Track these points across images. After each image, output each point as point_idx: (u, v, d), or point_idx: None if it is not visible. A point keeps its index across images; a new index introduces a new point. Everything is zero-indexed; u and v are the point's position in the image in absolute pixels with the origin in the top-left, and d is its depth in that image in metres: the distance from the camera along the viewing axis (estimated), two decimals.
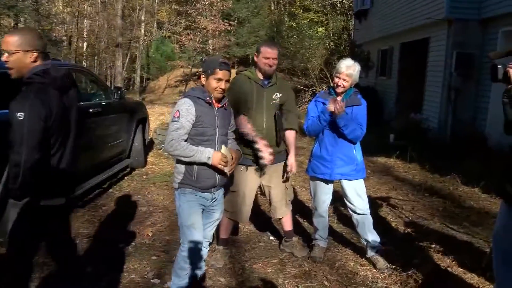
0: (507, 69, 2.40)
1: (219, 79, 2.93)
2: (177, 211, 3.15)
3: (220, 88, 2.95)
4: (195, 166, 2.97)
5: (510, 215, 2.58)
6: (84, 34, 27.03)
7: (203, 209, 3.14)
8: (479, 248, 4.44)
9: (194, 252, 3.09)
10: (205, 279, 3.72)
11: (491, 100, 9.61)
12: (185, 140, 2.92)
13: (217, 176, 3.04)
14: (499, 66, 2.43)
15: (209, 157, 2.90)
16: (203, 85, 3.04)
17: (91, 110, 5.51)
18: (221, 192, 3.26)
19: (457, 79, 10.32)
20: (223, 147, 3.01)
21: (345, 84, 3.75)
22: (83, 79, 6.71)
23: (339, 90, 3.79)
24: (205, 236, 3.23)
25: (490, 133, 9.34)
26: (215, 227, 3.37)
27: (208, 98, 2.96)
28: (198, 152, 2.89)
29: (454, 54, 10.33)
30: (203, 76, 3.01)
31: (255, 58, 3.78)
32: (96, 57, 28.05)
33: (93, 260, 3.98)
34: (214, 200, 3.15)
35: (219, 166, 2.93)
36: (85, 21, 26.49)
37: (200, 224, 3.10)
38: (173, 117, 2.94)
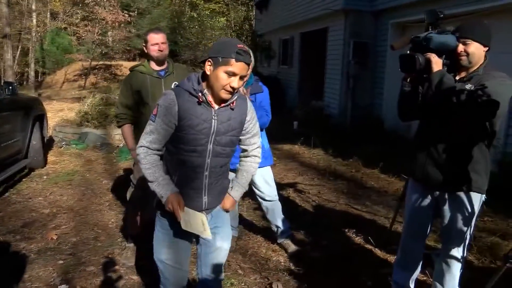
0: (428, 57, 2.54)
1: (233, 74, 2.09)
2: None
3: (230, 87, 2.11)
4: (174, 178, 2.29)
5: (425, 195, 2.80)
6: None
7: (192, 237, 2.43)
8: (381, 225, 4.75)
9: None
10: (119, 279, 3.61)
11: (385, 86, 10.26)
12: (160, 149, 2.26)
13: (205, 198, 2.33)
14: (416, 56, 2.55)
15: (162, 197, 2.21)
16: (205, 75, 2.18)
17: None
18: (220, 214, 2.48)
19: (355, 67, 10.89)
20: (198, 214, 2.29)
21: (249, 72, 3.78)
22: None
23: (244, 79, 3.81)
24: (206, 271, 2.50)
25: (385, 117, 9.98)
26: (222, 258, 2.53)
27: (200, 94, 2.17)
28: (157, 183, 2.22)
29: (351, 44, 10.88)
30: (209, 63, 2.14)
31: (145, 49, 3.64)
32: None
33: None
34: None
35: (169, 209, 2.22)
36: None
37: (180, 259, 2.43)
38: (152, 113, 2.23)
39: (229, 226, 2.55)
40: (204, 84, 2.19)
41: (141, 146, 2.23)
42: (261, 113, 3.79)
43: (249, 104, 2.36)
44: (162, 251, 2.39)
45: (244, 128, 2.35)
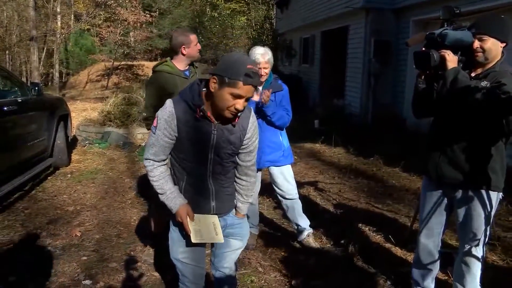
0: (443, 54, 2.51)
1: (239, 97, 1.98)
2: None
3: (235, 109, 2.01)
4: (182, 183, 2.27)
5: (440, 193, 2.79)
6: None
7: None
8: (401, 223, 4.71)
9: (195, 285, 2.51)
10: (141, 275, 3.67)
11: (407, 84, 10.15)
12: (166, 158, 2.24)
13: (213, 203, 2.30)
14: (431, 52, 2.52)
15: (172, 209, 2.22)
16: (210, 92, 2.06)
17: (5, 108, 5.19)
18: (231, 218, 2.43)
19: (376, 65, 10.81)
20: (211, 217, 2.27)
21: (267, 71, 3.77)
22: None
23: (263, 78, 3.82)
24: (220, 267, 2.53)
25: (407, 115, 9.87)
26: (237, 256, 2.57)
27: (199, 111, 2.08)
28: (166, 196, 2.21)
29: (372, 42, 10.81)
30: (214, 80, 2.01)
31: (184, 50, 3.59)
32: (7, 52, 26.26)
33: (16, 268, 3.76)
34: (222, 227, 2.35)
35: (179, 221, 2.23)
36: None
37: (196, 257, 2.43)
38: (152, 125, 2.20)
39: (247, 225, 2.54)
40: (204, 96, 2.10)
41: (147, 159, 2.23)
42: (281, 112, 3.80)
43: (252, 120, 2.27)
44: (179, 251, 2.39)
45: (243, 144, 2.27)
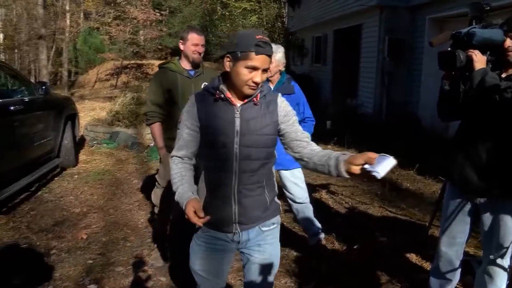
0: (470, 54, 2.37)
1: (254, 68, 1.92)
2: None
3: (253, 82, 1.94)
4: (200, 186, 2.13)
5: (464, 200, 2.63)
6: None
7: (232, 251, 2.25)
8: (416, 229, 4.59)
9: None
10: (148, 280, 3.59)
11: (422, 83, 9.98)
12: (189, 156, 2.13)
13: (235, 208, 2.06)
14: (456, 53, 2.38)
15: (182, 204, 2.01)
16: (225, 73, 2.03)
17: (12, 107, 5.13)
18: (257, 233, 2.16)
19: (390, 63, 10.65)
20: None
21: (275, 67, 3.64)
22: (1, 75, 6.26)
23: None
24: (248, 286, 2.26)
25: (422, 115, 9.69)
26: (266, 275, 2.25)
27: (218, 92, 2.01)
28: (177, 193, 2.05)
29: (386, 40, 10.63)
30: (228, 59, 1.97)
31: (181, 46, 3.57)
32: (16, 50, 26.40)
33: (21, 271, 3.70)
34: (240, 243, 2.16)
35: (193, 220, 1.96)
36: None
37: (215, 271, 2.26)
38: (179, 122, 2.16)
39: (278, 244, 2.28)
40: (223, 80, 2.05)
41: (171, 157, 2.16)
42: (309, 130, 3.74)
43: (279, 100, 2.10)
44: (196, 262, 2.25)
45: (281, 129, 2.07)
